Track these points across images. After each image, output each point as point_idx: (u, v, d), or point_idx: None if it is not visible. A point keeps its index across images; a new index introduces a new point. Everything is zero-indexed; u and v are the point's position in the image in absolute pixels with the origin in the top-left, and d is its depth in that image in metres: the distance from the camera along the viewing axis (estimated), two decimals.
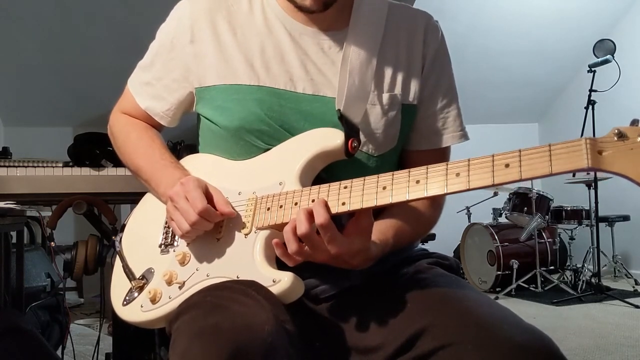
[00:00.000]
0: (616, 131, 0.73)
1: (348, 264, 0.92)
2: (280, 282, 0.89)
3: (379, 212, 1.03)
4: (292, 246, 0.88)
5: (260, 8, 1.09)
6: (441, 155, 1.13)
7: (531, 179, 0.78)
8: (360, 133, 1.02)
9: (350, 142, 0.98)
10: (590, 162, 0.72)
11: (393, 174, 0.88)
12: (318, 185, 0.94)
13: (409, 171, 0.86)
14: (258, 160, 1.05)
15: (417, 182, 0.85)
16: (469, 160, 0.82)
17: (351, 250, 0.89)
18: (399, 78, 1.08)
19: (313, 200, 0.92)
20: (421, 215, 1.08)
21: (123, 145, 1.18)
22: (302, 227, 0.87)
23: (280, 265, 0.94)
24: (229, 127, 1.06)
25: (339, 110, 1.01)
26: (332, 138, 0.99)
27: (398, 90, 1.07)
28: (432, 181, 0.84)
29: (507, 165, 0.78)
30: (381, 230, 0.99)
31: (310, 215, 0.87)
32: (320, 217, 0.86)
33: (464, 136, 1.14)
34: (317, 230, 0.87)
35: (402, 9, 1.13)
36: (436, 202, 1.12)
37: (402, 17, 1.12)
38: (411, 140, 1.13)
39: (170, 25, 1.13)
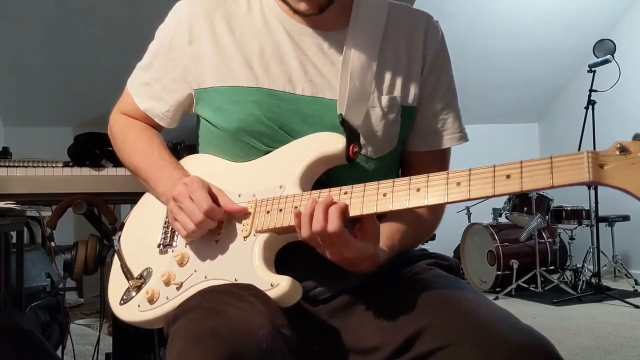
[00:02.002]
0: (618, 145, 0.73)
1: (355, 268, 0.92)
2: (278, 286, 0.89)
3: (382, 214, 1.03)
4: (305, 231, 0.88)
5: (259, 8, 1.09)
6: (441, 156, 1.12)
7: (532, 190, 0.78)
8: (360, 136, 1.02)
9: (351, 147, 0.98)
10: (591, 176, 0.73)
11: (394, 181, 0.88)
12: (318, 190, 0.94)
13: (410, 179, 0.86)
14: (258, 162, 1.05)
15: (418, 190, 0.85)
16: (470, 169, 0.82)
17: (363, 256, 0.89)
18: (399, 80, 1.07)
19: None
20: (424, 219, 1.08)
21: (122, 145, 1.18)
22: (318, 226, 0.86)
23: (279, 269, 0.94)
24: (228, 129, 1.05)
25: (341, 115, 1.01)
26: (333, 143, 0.99)
27: (398, 92, 1.07)
28: (432, 190, 0.84)
29: (508, 177, 0.78)
30: (388, 235, 0.99)
31: (326, 214, 0.86)
32: (331, 225, 0.85)
33: (463, 138, 1.13)
34: None
35: (402, 9, 1.13)
36: (438, 206, 1.11)
37: (402, 17, 1.11)
38: (410, 142, 1.12)
39: (168, 25, 1.13)
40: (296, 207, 0.93)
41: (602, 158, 0.74)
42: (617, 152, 0.73)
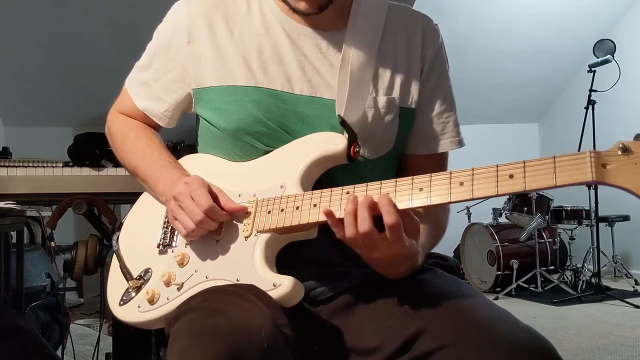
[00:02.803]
0: (620, 145, 0.74)
1: (397, 269, 0.91)
2: (280, 286, 0.89)
3: None
4: (350, 230, 0.85)
5: (258, 8, 1.09)
6: (439, 160, 1.12)
7: (535, 190, 0.79)
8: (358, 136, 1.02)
9: (352, 147, 0.98)
10: (594, 176, 0.73)
11: (396, 181, 0.87)
12: (320, 190, 0.93)
13: (412, 178, 0.86)
14: (259, 162, 1.05)
15: (421, 189, 0.85)
16: (473, 169, 0.82)
17: (408, 253, 0.88)
18: (398, 81, 1.07)
19: (315, 205, 0.91)
20: (439, 220, 1.08)
21: (121, 145, 1.18)
22: (365, 226, 0.84)
23: (279, 269, 0.94)
24: (227, 129, 1.05)
25: (340, 115, 1.01)
26: (334, 142, 0.99)
27: (396, 93, 1.07)
28: (435, 189, 0.84)
29: (511, 176, 0.79)
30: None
31: (371, 211, 0.84)
32: (391, 218, 0.83)
33: (460, 142, 1.13)
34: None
35: (401, 10, 1.13)
36: (446, 207, 1.11)
37: (402, 19, 1.11)
38: (409, 144, 1.12)
39: (167, 25, 1.13)
40: (297, 208, 0.93)
41: (605, 158, 0.74)
42: (620, 152, 0.74)
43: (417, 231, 0.90)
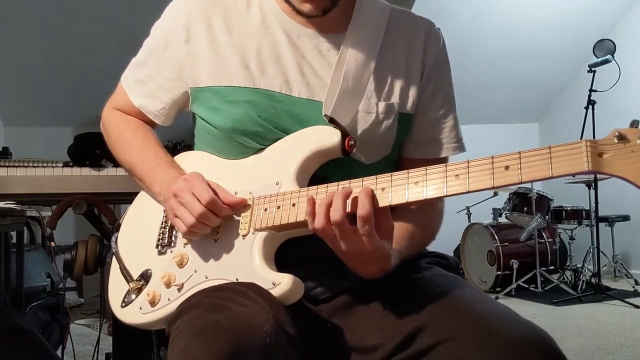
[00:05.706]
0: (616, 133, 0.73)
1: (366, 269, 0.90)
2: (280, 284, 0.89)
3: None
4: (319, 221, 0.85)
5: (258, 8, 1.08)
6: (438, 164, 1.12)
7: (531, 181, 0.78)
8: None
9: (347, 140, 0.97)
10: (590, 165, 0.72)
11: (392, 175, 0.87)
12: (316, 186, 0.93)
13: (408, 172, 0.86)
14: (254, 159, 1.04)
15: (416, 183, 0.85)
16: (468, 161, 0.81)
17: (377, 253, 0.87)
18: (397, 86, 1.06)
19: None
20: (429, 224, 1.07)
21: (117, 142, 1.17)
22: (337, 215, 0.84)
23: (279, 269, 0.94)
24: (223, 128, 1.05)
25: (327, 115, 0.99)
26: (328, 136, 0.98)
27: (395, 99, 1.06)
28: (431, 183, 0.83)
29: (506, 168, 0.78)
30: (395, 241, 0.95)
31: (345, 201, 0.84)
32: (363, 209, 0.83)
33: (460, 148, 1.12)
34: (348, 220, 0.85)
35: (404, 14, 1.12)
36: (438, 210, 1.10)
37: (404, 23, 1.10)
38: (406, 148, 1.12)
39: (164, 23, 1.12)
40: (293, 205, 0.93)
41: (601, 147, 0.74)
42: (616, 140, 0.73)
43: (391, 234, 0.89)
